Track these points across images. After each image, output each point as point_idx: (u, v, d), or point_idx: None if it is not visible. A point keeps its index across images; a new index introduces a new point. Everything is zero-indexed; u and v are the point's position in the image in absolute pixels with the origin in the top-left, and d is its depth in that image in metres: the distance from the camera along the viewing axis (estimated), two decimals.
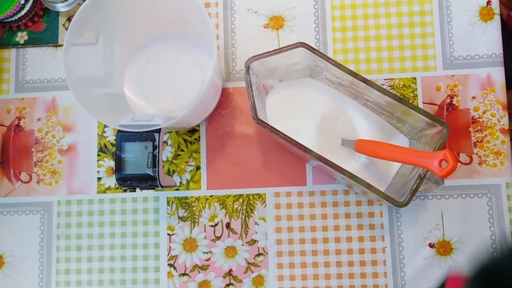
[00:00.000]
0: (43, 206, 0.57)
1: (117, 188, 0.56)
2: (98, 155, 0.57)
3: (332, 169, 0.45)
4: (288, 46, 0.45)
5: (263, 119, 0.46)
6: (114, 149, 0.57)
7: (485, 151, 0.53)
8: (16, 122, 0.58)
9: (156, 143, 0.42)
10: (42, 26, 0.59)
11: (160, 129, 0.43)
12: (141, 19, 0.52)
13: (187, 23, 0.52)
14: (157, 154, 0.42)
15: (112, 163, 0.57)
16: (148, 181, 0.43)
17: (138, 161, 0.42)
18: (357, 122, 0.52)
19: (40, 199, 0.57)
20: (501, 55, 0.55)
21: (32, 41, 0.59)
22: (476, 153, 0.53)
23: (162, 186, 0.43)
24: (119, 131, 0.43)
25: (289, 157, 0.55)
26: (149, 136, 0.43)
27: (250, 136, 0.56)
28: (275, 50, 0.45)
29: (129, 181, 0.43)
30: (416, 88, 0.55)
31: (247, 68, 0.46)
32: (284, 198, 0.54)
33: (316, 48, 0.46)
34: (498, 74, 0.55)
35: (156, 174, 0.42)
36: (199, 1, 0.45)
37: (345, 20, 0.57)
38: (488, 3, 0.56)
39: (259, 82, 0.50)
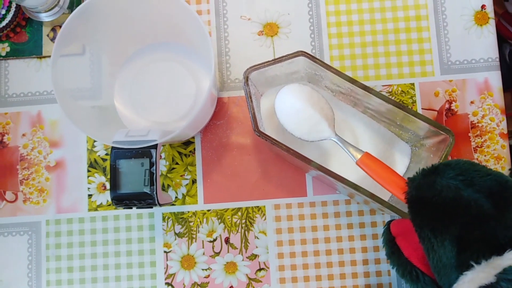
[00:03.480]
0: (30, 227, 0.54)
1: (109, 205, 0.54)
2: (88, 170, 0.54)
3: (334, 179, 0.44)
4: (288, 55, 0.44)
5: (263, 131, 0.44)
6: (105, 164, 0.54)
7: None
8: (0, 138, 0.55)
9: (153, 159, 0.40)
10: (25, 37, 0.56)
11: (156, 144, 0.41)
12: (131, 28, 0.50)
13: (179, 32, 0.51)
14: (154, 171, 0.40)
15: (103, 179, 0.54)
16: (145, 200, 0.41)
17: (134, 179, 0.40)
18: (357, 130, 0.51)
19: (27, 219, 0.54)
20: (497, 59, 0.55)
21: (15, 53, 0.56)
22: None
23: (160, 205, 0.41)
24: (113, 148, 0.41)
25: (288, 168, 0.53)
26: (145, 152, 0.40)
27: (247, 146, 0.54)
28: (275, 59, 0.44)
29: (125, 200, 0.41)
30: (415, 94, 0.54)
31: (246, 78, 0.44)
32: (284, 210, 0.53)
33: (313, 55, 0.44)
34: (495, 78, 0.54)
35: (154, 192, 0.40)
36: (192, 9, 0.43)
37: (340, 26, 0.56)
38: (483, 7, 0.56)
39: (257, 92, 0.48)
